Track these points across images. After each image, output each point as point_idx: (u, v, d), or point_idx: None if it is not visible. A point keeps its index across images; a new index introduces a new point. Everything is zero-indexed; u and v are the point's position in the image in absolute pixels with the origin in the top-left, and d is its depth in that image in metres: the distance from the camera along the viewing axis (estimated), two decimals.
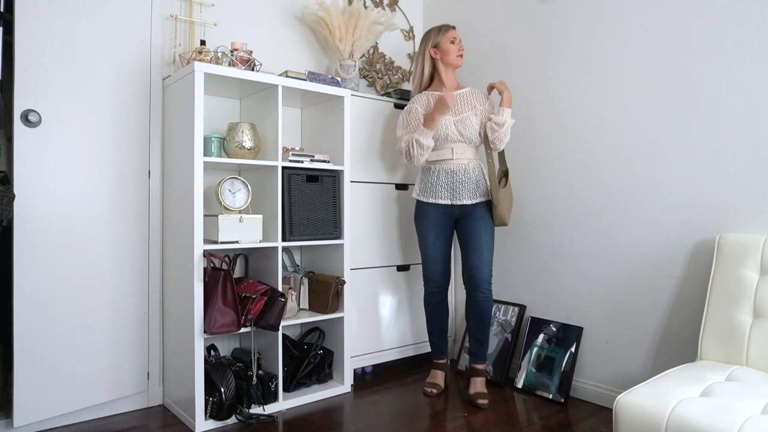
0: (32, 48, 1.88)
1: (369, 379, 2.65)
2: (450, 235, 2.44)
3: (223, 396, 2.02)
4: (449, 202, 2.35)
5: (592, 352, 2.35)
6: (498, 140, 2.32)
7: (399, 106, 2.75)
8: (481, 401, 2.27)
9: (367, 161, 2.63)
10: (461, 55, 2.41)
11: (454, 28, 2.43)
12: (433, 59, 2.41)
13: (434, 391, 2.41)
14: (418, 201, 2.45)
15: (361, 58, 2.92)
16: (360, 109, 2.60)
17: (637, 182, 2.21)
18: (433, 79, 2.46)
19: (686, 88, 2.06)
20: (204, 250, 2.02)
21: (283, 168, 2.24)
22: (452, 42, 2.38)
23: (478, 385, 2.36)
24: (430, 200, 2.37)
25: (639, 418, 1.35)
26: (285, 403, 2.23)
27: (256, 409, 2.13)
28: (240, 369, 2.18)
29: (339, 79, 2.49)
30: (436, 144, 2.35)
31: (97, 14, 2.05)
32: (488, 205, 2.37)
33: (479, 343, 2.41)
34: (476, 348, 2.42)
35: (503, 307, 2.68)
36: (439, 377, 2.48)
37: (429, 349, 2.86)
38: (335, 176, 2.42)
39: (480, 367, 2.41)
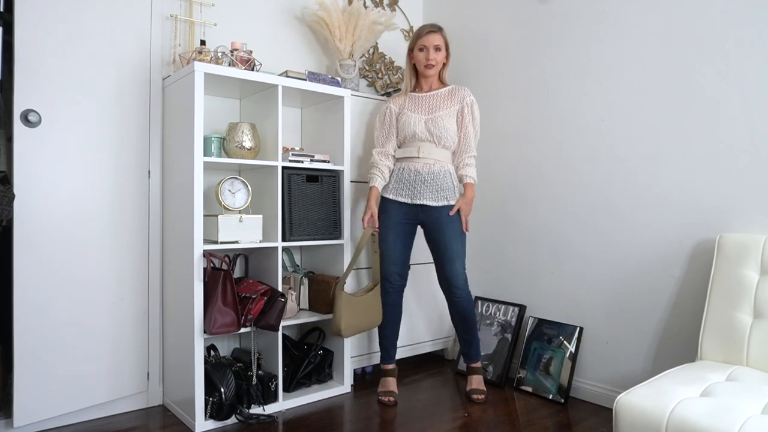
0: (32, 48, 1.88)
1: (369, 379, 2.64)
2: (411, 237, 2.37)
3: (223, 396, 2.02)
4: (409, 201, 2.30)
5: (592, 352, 2.35)
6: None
7: None
8: (475, 396, 2.31)
9: (367, 161, 2.62)
10: (429, 66, 2.29)
11: (433, 30, 2.29)
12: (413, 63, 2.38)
13: (391, 399, 2.29)
14: (382, 197, 2.38)
15: (361, 58, 2.92)
16: (360, 109, 2.60)
17: (637, 182, 2.20)
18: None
19: (686, 88, 2.06)
20: (204, 250, 2.02)
21: (283, 168, 2.24)
22: (421, 50, 2.31)
23: (474, 382, 2.39)
24: (391, 197, 2.33)
25: (639, 418, 1.35)
26: (285, 403, 2.23)
27: (256, 409, 2.13)
28: (240, 369, 2.18)
29: (339, 79, 2.49)
30: (405, 142, 2.34)
31: (97, 14, 2.05)
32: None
33: (468, 343, 2.40)
34: (467, 348, 2.42)
35: (503, 307, 2.68)
36: (391, 384, 2.37)
37: (428, 350, 2.88)
38: (335, 176, 2.42)
39: (475, 365, 2.42)
